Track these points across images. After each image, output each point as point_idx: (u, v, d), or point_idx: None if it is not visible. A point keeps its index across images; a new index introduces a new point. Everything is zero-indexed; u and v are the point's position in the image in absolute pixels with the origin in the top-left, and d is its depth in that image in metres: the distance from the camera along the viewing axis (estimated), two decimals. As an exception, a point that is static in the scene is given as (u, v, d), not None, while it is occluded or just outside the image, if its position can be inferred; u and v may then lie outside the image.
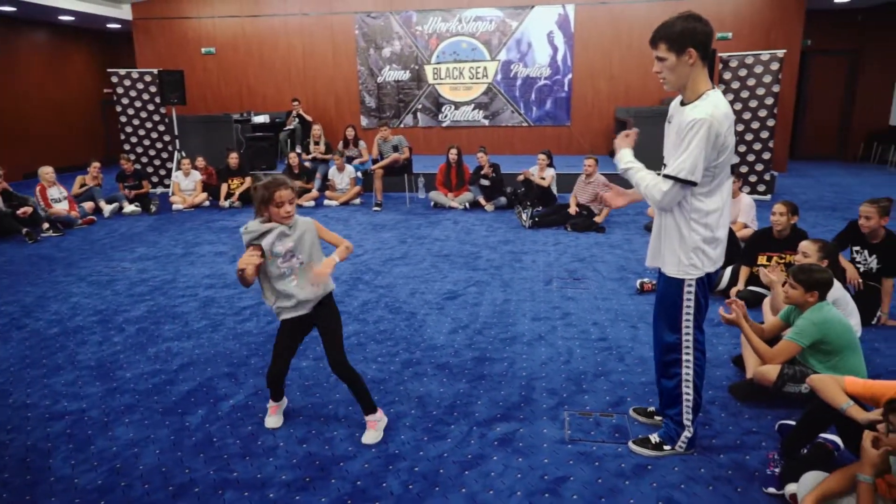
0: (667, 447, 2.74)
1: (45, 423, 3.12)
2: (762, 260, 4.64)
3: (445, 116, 12.52)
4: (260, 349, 3.96)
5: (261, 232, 2.71)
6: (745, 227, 5.95)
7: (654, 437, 2.78)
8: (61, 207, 7.75)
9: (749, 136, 8.67)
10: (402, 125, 12.58)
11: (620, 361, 3.70)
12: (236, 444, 2.89)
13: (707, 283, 2.57)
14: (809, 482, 2.30)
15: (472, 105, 12.41)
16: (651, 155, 4.03)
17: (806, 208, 7.83)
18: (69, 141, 13.39)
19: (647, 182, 2.47)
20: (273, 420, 3.06)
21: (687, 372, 2.61)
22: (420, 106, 12.57)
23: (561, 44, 11.85)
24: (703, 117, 2.28)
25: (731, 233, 5.37)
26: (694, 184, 2.36)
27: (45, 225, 7.39)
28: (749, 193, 8.57)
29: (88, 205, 8.32)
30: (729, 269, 4.90)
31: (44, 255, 6.49)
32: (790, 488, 2.41)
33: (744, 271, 4.73)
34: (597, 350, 3.87)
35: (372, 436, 2.90)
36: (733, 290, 4.70)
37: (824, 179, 10.49)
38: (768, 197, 8.71)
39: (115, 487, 2.58)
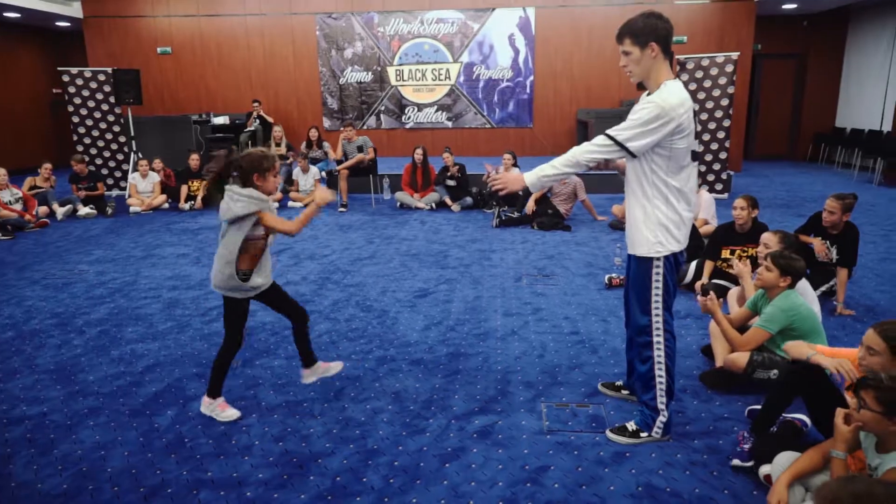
0: (643, 434, 2.78)
1: (2, 428, 2.97)
2: (725, 253, 4.77)
3: (409, 118, 12.51)
4: (229, 349, 3.86)
5: (270, 202, 2.84)
6: (706, 223, 6.11)
7: (631, 425, 2.82)
8: (14, 209, 7.43)
9: (706, 137, 8.91)
10: (365, 127, 12.51)
11: (593, 354, 3.74)
12: (209, 443, 2.81)
13: (674, 266, 2.68)
14: (783, 462, 2.36)
15: (436, 107, 12.43)
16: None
17: (761, 206, 8.04)
18: (16, 143, 12.85)
19: (571, 152, 2.59)
20: (232, 412, 3.03)
21: (658, 354, 2.70)
22: (383, 108, 12.52)
23: (522, 46, 11.98)
24: (657, 101, 2.46)
25: (694, 228, 5.51)
26: (631, 153, 2.51)
27: (-7, 228, 7.08)
28: (709, 192, 8.79)
29: (42, 209, 7.99)
30: (693, 264, 5.02)
31: (-7, 258, 6.21)
32: (764, 469, 2.48)
33: (708, 265, 4.85)
34: (570, 343, 3.91)
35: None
36: (698, 284, 4.80)
37: (777, 179, 10.86)
38: (725, 195, 8.97)
39: (82, 491, 2.48)
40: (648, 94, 2.57)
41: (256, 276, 2.92)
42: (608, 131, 2.55)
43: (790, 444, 2.50)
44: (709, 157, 8.99)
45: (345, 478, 2.55)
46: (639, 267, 2.69)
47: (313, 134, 9.95)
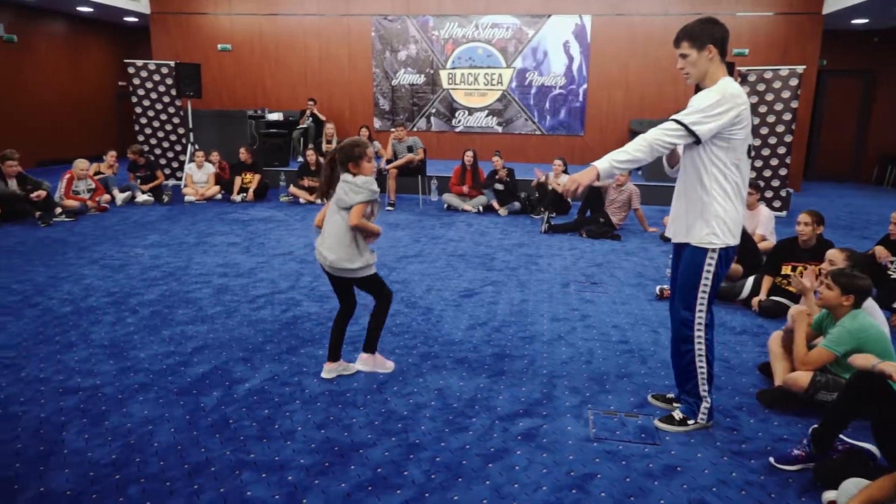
0: (690, 421, 2.86)
1: (58, 397, 3.05)
2: (786, 270, 4.58)
3: (459, 121, 12.52)
4: (275, 336, 3.90)
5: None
6: (764, 239, 5.88)
7: (678, 414, 2.89)
8: (81, 198, 7.71)
9: (766, 152, 8.63)
10: (415, 129, 12.56)
11: (643, 364, 3.62)
12: (253, 426, 2.82)
13: (726, 260, 2.71)
14: (850, 489, 2.22)
15: (486, 111, 12.40)
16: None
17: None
18: (83, 132, 13.39)
19: (640, 137, 2.56)
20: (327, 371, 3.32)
21: (699, 348, 2.76)
22: (434, 110, 12.56)
23: (577, 53, 11.86)
24: (718, 89, 2.53)
25: (752, 242, 5.31)
26: (696, 137, 2.50)
27: (59, 210, 7.36)
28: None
29: (105, 196, 8.25)
30: (751, 279, 4.83)
31: (56, 238, 6.45)
32: (828, 495, 2.34)
33: (766, 281, 4.66)
34: (618, 352, 3.80)
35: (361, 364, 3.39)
36: (755, 300, 4.63)
37: (838, 200, 10.43)
38: (784, 213, 8.65)
39: (130, 462, 2.51)
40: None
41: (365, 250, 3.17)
42: (674, 116, 2.55)
43: (857, 471, 2.35)
44: (767, 174, 8.70)
45: (386, 469, 2.52)
46: (692, 257, 2.71)
47: (363, 133, 10.02)
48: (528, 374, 3.45)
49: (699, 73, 2.62)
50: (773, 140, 8.57)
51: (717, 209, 2.61)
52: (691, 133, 2.50)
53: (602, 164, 2.54)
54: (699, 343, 2.74)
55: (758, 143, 8.63)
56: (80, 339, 3.79)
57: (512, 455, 2.65)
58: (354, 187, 3.05)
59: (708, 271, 2.67)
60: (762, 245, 5.69)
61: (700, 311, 2.72)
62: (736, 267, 5.13)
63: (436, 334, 4.01)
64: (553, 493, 2.40)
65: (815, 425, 2.85)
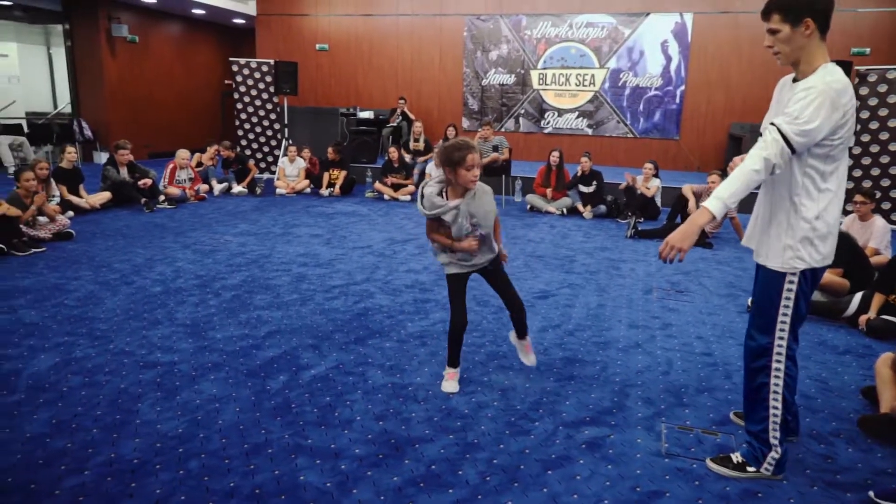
0: (750, 468, 2.44)
1: (138, 370, 3.21)
2: (901, 287, 4.11)
3: (548, 123, 12.29)
4: (345, 326, 3.93)
5: (443, 209, 2.85)
6: (877, 252, 5.33)
7: (736, 457, 2.48)
8: (181, 186, 8.20)
9: (885, 159, 7.86)
10: (503, 129, 12.47)
11: (727, 379, 3.35)
12: (313, 412, 2.84)
13: (812, 284, 2.30)
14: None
15: (577, 113, 12.10)
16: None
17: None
18: (191, 125, 14.29)
19: (736, 174, 2.14)
20: (450, 385, 3.12)
21: (776, 383, 2.34)
22: (523, 111, 12.41)
23: (675, 53, 11.33)
24: (822, 87, 2.08)
25: (862, 255, 4.83)
26: (792, 149, 2.09)
27: (162, 197, 7.85)
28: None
29: (203, 187, 8.74)
30: (859, 296, 4.38)
31: (157, 223, 6.87)
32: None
33: (877, 298, 4.20)
34: (700, 364, 3.54)
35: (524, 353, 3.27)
36: (863, 318, 4.19)
37: (971, 215, 9.33)
38: (903, 227, 7.84)
39: (194, 437, 2.58)
40: (795, 80, 2.22)
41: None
42: (776, 121, 2.13)
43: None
44: (886, 182, 7.92)
45: (440, 467, 2.45)
46: (768, 280, 2.32)
47: (450, 132, 10.03)
48: (598, 381, 3.27)
49: (793, 53, 2.18)
50: (894, 146, 7.78)
51: (804, 228, 2.21)
52: (787, 143, 2.09)
53: (713, 204, 2.13)
54: (776, 377, 2.33)
55: (876, 149, 7.88)
56: (166, 317, 3.98)
57: (574, 464, 2.51)
58: (419, 207, 2.92)
59: (787, 298, 2.28)
60: (876, 259, 5.16)
61: (780, 337, 2.31)
62: (842, 281, 4.68)
63: (505, 333, 3.89)
64: (615, 509, 2.24)
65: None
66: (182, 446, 2.52)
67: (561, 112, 12.19)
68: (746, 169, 2.12)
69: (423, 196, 2.87)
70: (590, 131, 12.08)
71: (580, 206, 8.26)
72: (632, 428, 2.81)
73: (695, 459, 2.57)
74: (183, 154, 8.28)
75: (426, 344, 3.68)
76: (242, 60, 10.72)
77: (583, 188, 8.30)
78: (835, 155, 2.17)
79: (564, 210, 8.31)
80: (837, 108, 2.09)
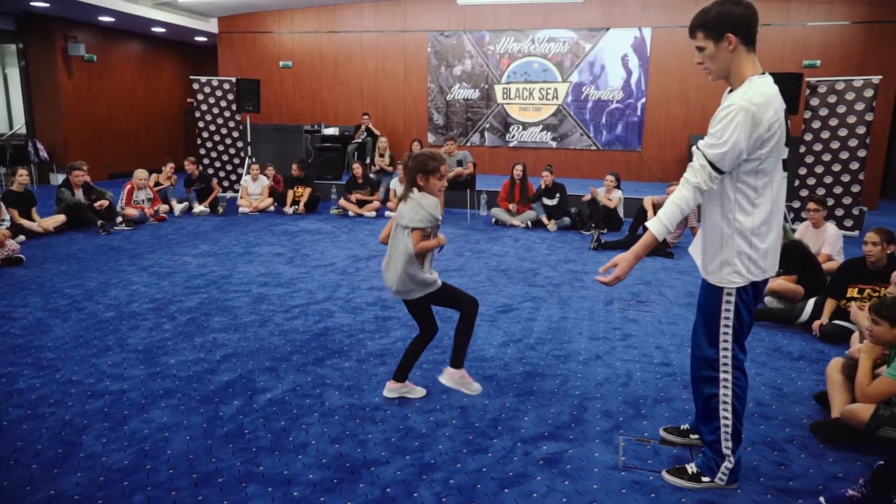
0: (705, 479, 2.44)
1: (85, 399, 3.10)
2: (853, 292, 4.21)
3: (513, 136, 12.39)
4: (304, 347, 3.86)
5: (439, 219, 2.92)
6: (830, 258, 5.46)
7: (692, 468, 2.49)
8: (140, 206, 8.02)
9: (836, 167, 8.09)
10: (468, 143, 12.52)
11: (685, 388, 3.37)
12: (267, 437, 2.77)
13: (753, 297, 2.32)
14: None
15: (541, 126, 12.23)
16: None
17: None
18: (152, 145, 14.05)
19: (673, 199, 2.23)
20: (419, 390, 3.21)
21: (725, 393, 2.36)
22: (488, 125, 12.50)
23: (635, 67, 11.55)
24: (742, 104, 2.10)
25: (814, 262, 4.95)
26: (719, 171, 2.15)
27: (119, 219, 7.68)
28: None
29: (163, 206, 8.56)
30: (811, 302, 4.48)
31: (114, 246, 6.71)
32: (884, 544, 2.06)
33: (829, 304, 4.30)
34: (659, 375, 3.56)
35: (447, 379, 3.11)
36: (816, 324, 4.28)
37: (921, 219, 9.66)
38: (856, 233, 8.07)
39: (141, 469, 2.50)
40: (730, 91, 2.25)
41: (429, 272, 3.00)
42: (702, 148, 2.18)
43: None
44: (838, 190, 8.15)
45: (395, 490, 2.40)
46: (709, 294, 2.35)
47: (416, 147, 10.06)
48: (558, 395, 3.27)
49: (719, 68, 2.21)
50: (844, 155, 8.03)
51: (740, 244, 2.22)
52: (713, 168, 2.14)
53: (654, 225, 2.25)
54: (725, 388, 2.34)
55: (828, 157, 8.11)
56: (117, 343, 3.87)
57: (531, 481, 2.49)
58: (419, 208, 2.84)
59: (727, 311, 2.29)
60: (828, 265, 5.28)
61: (725, 349, 2.32)
62: (796, 288, 4.78)
63: (467, 350, 3.86)
64: (571, 525, 2.22)
65: (880, 462, 2.56)
66: (127, 479, 2.43)
67: (525, 126, 12.31)
68: (680, 196, 2.22)
69: (423, 206, 2.85)
70: (554, 144, 12.21)
71: (544, 219, 8.32)
72: (590, 441, 2.80)
73: (651, 471, 2.57)
74: (140, 174, 8.12)
75: (386, 363, 3.64)
76: (203, 78, 10.60)
77: (546, 201, 8.37)
78: (765, 169, 2.18)
79: (529, 223, 8.36)
80: (759, 123, 2.09)
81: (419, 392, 3.22)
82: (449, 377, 3.09)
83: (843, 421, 2.81)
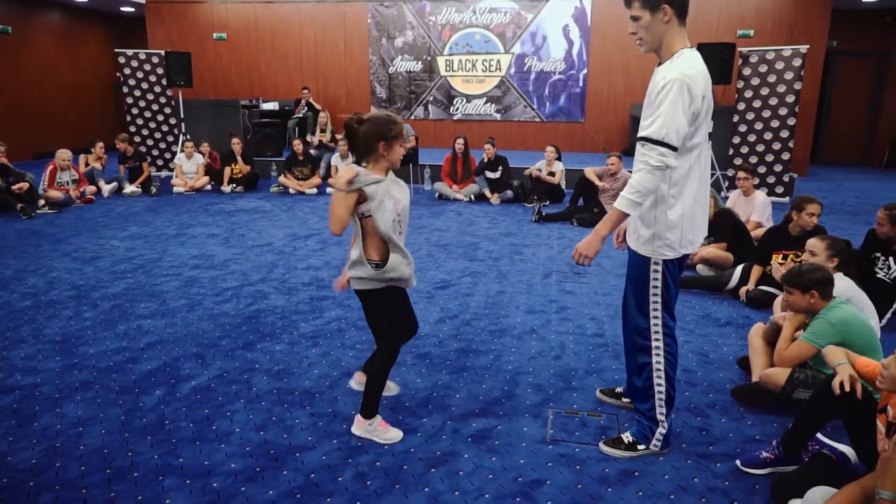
0: (641, 447, 2.51)
1: (-8, 397, 2.92)
2: (777, 259, 4.34)
3: (457, 109, 12.28)
4: (233, 331, 3.75)
5: (373, 180, 2.34)
6: (759, 225, 5.63)
7: (627, 437, 2.55)
8: (64, 188, 7.60)
9: (768, 136, 8.32)
10: (412, 117, 12.35)
11: (615, 359, 3.43)
12: (189, 427, 2.67)
13: (678, 268, 2.41)
14: (817, 498, 2.03)
15: (485, 98, 12.15)
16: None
17: (826, 212, 7.43)
18: (80, 122, 13.32)
19: (627, 189, 2.23)
20: (395, 433, 2.64)
21: (658, 360, 2.43)
22: (431, 98, 12.33)
23: (577, 38, 11.55)
24: (675, 76, 2.15)
25: (743, 230, 5.08)
26: (672, 147, 2.16)
27: (42, 202, 7.26)
28: (767, 195, 8.22)
29: (90, 187, 8.14)
30: (739, 269, 4.61)
31: (35, 230, 6.35)
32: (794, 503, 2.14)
33: (756, 270, 4.43)
34: (591, 346, 3.61)
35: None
36: (742, 290, 4.41)
37: (847, 184, 10.09)
38: (787, 199, 8.35)
39: (49, 467, 2.37)
40: (659, 65, 2.28)
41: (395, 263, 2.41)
42: (640, 135, 2.22)
43: (824, 479, 2.15)
44: (770, 158, 8.39)
45: (319, 475, 2.35)
46: (638, 265, 2.41)
47: (357, 121, 9.84)
48: (491, 371, 3.27)
49: (653, 39, 2.25)
50: (775, 123, 8.26)
51: (671, 217, 2.28)
52: (667, 146, 2.15)
53: (622, 205, 2.23)
54: (657, 354, 2.42)
55: (759, 126, 8.33)
56: (32, 334, 3.66)
57: (458, 459, 2.48)
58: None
59: (656, 280, 2.36)
60: (757, 232, 5.44)
61: (655, 318, 2.39)
62: (726, 255, 4.91)
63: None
64: (496, 501, 2.22)
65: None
66: (34, 479, 2.30)
67: (469, 98, 12.20)
68: (636, 180, 2.22)
69: (336, 170, 2.43)
70: (498, 116, 12.16)
71: (487, 193, 8.30)
72: (519, 416, 2.81)
73: (578, 444, 2.60)
74: (63, 154, 7.68)
75: (318, 344, 3.57)
76: (130, 52, 10.06)
77: (489, 174, 8.35)
78: (695, 142, 2.24)
79: (472, 197, 8.33)
80: (695, 96, 2.16)
81: (393, 389, 2.94)
82: (355, 424, 2.63)
83: (762, 384, 2.90)
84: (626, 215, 2.26)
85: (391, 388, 2.94)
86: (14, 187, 7.11)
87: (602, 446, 2.56)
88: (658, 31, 2.24)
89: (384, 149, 2.39)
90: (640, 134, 2.24)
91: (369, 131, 2.37)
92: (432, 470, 2.40)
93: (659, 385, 2.45)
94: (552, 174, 8.10)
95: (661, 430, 2.49)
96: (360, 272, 2.43)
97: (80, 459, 2.43)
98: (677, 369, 2.57)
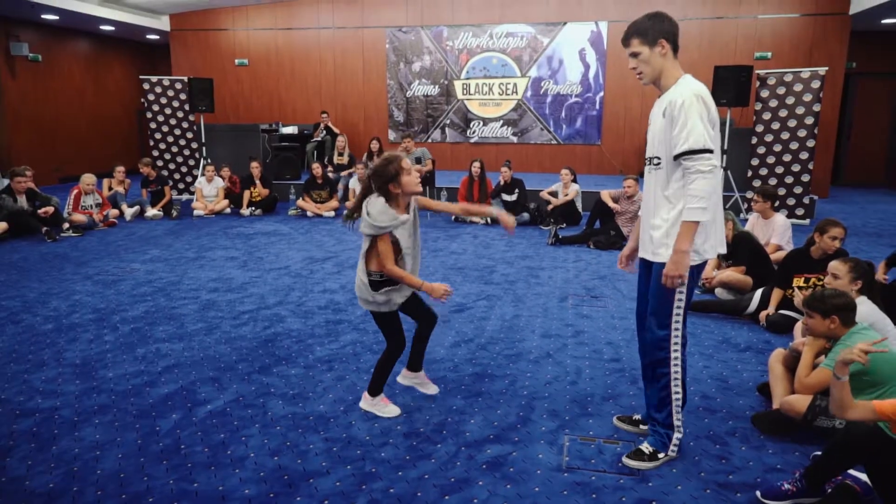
0: (661, 455, 2.59)
1: (13, 419, 2.96)
2: (798, 282, 4.28)
3: (473, 132, 12.36)
4: (250, 355, 3.77)
5: (399, 223, 2.74)
6: (779, 248, 5.55)
7: (646, 447, 2.61)
8: (87, 211, 7.76)
9: (787, 157, 8.25)
10: (429, 140, 12.45)
11: (633, 384, 3.38)
12: (204, 452, 2.68)
13: (697, 274, 2.56)
14: (838, 530, 1.97)
15: (501, 121, 12.22)
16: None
17: (848, 234, 7.33)
18: (105, 147, 13.63)
19: (690, 200, 2.33)
20: (392, 408, 3.05)
21: (676, 369, 2.53)
22: (448, 121, 12.44)
23: (593, 61, 11.61)
24: (691, 93, 2.35)
25: (762, 252, 5.03)
26: (711, 151, 2.32)
27: (66, 225, 7.42)
28: (787, 217, 8.13)
29: (112, 211, 8.29)
30: (759, 292, 4.54)
31: (59, 253, 6.48)
32: (816, 536, 2.08)
33: (776, 294, 4.37)
34: (608, 371, 3.57)
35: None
36: (763, 314, 4.35)
37: (870, 206, 9.94)
38: (807, 221, 8.25)
39: (67, 492, 2.39)
40: (661, 95, 2.49)
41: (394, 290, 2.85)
42: (680, 151, 2.34)
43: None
44: (789, 180, 8.32)
45: (333, 501, 2.34)
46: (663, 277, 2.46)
47: (374, 145, 9.98)
48: (506, 396, 3.24)
49: (653, 71, 2.46)
50: (794, 145, 8.19)
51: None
52: (707, 151, 2.31)
53: (692, 216, 2.31)
54: (675, 364, 2.52)
55: (778, 148, 8.27)
56: (53, 357, 3.72)
57: (473, 486, 2.46)
58: (365, 215, 2.71)
59: (681, 291, 2.46)
60: (777, 255, 5.37)
61: (676, 328, 2.50)
62: (745, 279, 4.85)
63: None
64: (511, 531, 2.20)
65: (813, 457, 2.60)
66: (51, 503, 2.32)
67: (486, 121, 12.29)
68: (696, 188, 2.32)
69: (368, 213, 2.69)
70: (515, 139, 12.22)
71: (504, 215, 8.29)
72: (535, 443, 2.78)
73: (594, 472, 2.56)
74: (88, 179, 7.85)
75: (333, 368, 3.57)
76: (154, 78, 10.31)
77: (505, 197, 8.37)
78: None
79: (489, 220, 8.34)
80: (710, 106, 2.36)
81: (432, 388, 3.19)
82: (363, 399, 3.07)
83: (783, 412, 2.85)
84: (697, 224, 2.34)
85: (430, 388, 3.19)
86: (40, 211, 7.28)
87: (626, 460, 2.60)
88: (657, 63, 2.45)
89: (394, 187, 2.75)
90: (678, 150, 2.35)
91: (377, 181, 2.76)
92: (446, 497, 2.38)
93: (676, 391, 2.55)
94: (554, 194, 8.14)
95: (677, 435, 2.58)
96: (371, 294, 2.84)
97: (97, 484, 2.45)
98: (688, 385, 2.70)
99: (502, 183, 8.35)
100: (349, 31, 12.44)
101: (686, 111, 2.32)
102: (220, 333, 4.14)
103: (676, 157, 2.36)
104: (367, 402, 3.04)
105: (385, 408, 3.02)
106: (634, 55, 2.46)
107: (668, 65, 2.45)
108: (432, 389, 3.19)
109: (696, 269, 2.50)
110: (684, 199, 2.37)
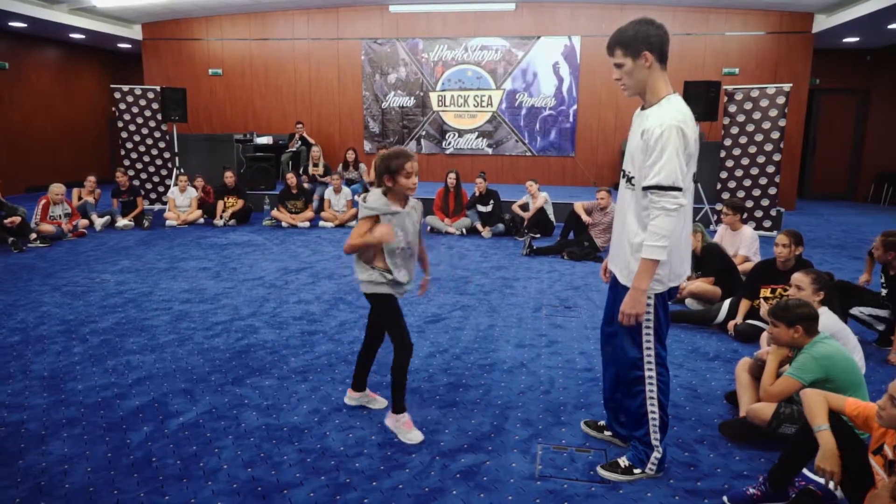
0: (637, 470, 2.58)
1: (-23, 434, 2.90)
2: (765, 292, 4.39)
3: (449, 143, 12.44)
4: (223, 366, 3.74)
5: (389, 211, 2.74)
6: (747, 259, 5.70)
7: (623, 461, 2.61)
8: (56, 221, 7.62)
9: (754, 171, 8.48)
10: (405, 151, 12.47)
11: (605, 393, 3.43)
12: (176, 464, 2.65)
13: (667, 296, 2.48)
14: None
15: (476, 133, 12.33)
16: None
17: (812, 245, 7.59)
18: (75, 157, 13.40)
19: (650, 237, 2.26)
20: (415, 434, 2.92)
21: (651, 389, 2.50)
22: (424, 132, 12.50)
23: (566, 74, 11.80)
24: (672, 123, 2.22)
25: (730, 264, 5.15)
26: (680, 189, 2.24)
27: (33, 236, 7.27)
28: (755, 229, 8.33)
29: (82, 221, 8.15)
30: (727, 303, 4.65)
31: (26, 264, 6.34)
32: (780, 540, 2.14)
33: (744, 304, 4.48)
34: (581, 381, 3.62)
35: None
36: (731, 324, 4.45)
37: (833, 218, 10.24)
38: (774, 233, 8.46)
39: (33, 508, 2.35)
40: (643, 109, 2.39)
41: (398, 272, 2.88)
42: (647, 184, 2.25)
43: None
44: (757, 193, 8.54)
45: (307, 513, 2.34)
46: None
47: (350, 155, 10.00)
48: (480, 406, 3.27)
49: (636, 84, 2.34)
50: (761, 159, 8.42)
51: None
52: (676, 189, 2.21)
53: (651, 254, 2.25)
54: (650, 383, 2.48)
55: (746, 161, 8.49)
56: (20, 370, 3.64)
57: (447, 496, 2.47)
58: (362, 204, 2.79)
59: (649, 313, 2.41)
60: (745, 266, 5.50)
61: (648, 348, 2.46)
62: (714, 289, 4.97)
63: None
64: (484, 539, 2.22)
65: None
66: (17, 519, 2.28)
67: (461, 133, 12.38)
68: (657, 225, 2.24)
69: (365, 199, 2.78)
70: (490, 151, 12.33)
71: (479, 226, 8.38)
72: (508, 452, 2.81)
73: (567, 479, 2.60)
74: (57, 189, 7.71)
75: (308, 379, 3.56)
76: (126, 87, 10.19)
77: (481, 208, 8.44)
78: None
79: (464, 230, 8.40)
80: (688, 141, 2.25)
81: (380, 403, 3.19)
82: (388, 419, 2.98)
83: (749, 420, 2.92)
84: (656, 263, 2.28)
85: (411, 437, 2.88)
86: (6, 221, 7.12)
87: (600, 470, 2.61)
88: (641, 76, 2.33)
89: (388, 180, 2.73)
90: (646, 183, 2.26)
91: (377, 166, 2.77)
92: (420, 507, 2.39)
93: (653, 412, 2.51)
94: (525, 207, 8.26)
95: (656, 455, 2.56)
96: (367, 273, 2.86)
97: (65, 498, 2.41)
98: (669, 396, 2.61)
99: (477, 194, 8.42)
100: (324, 42, 12.46)
101: (663, 144, 2.20)
102: (193, 345, 4.09)
103: (644, 189, 2.28)
104: (391, 421, 2.94)
105: (408, 433, 2.87)
106: (618, 66, 2.34)
107: (654, 78, 2.32)
108: (380, 403, 3.18)
109: (665, 295, 2.45)
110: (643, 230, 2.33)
